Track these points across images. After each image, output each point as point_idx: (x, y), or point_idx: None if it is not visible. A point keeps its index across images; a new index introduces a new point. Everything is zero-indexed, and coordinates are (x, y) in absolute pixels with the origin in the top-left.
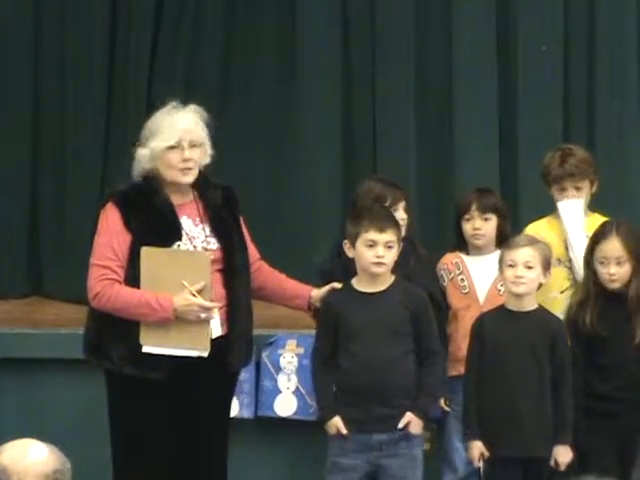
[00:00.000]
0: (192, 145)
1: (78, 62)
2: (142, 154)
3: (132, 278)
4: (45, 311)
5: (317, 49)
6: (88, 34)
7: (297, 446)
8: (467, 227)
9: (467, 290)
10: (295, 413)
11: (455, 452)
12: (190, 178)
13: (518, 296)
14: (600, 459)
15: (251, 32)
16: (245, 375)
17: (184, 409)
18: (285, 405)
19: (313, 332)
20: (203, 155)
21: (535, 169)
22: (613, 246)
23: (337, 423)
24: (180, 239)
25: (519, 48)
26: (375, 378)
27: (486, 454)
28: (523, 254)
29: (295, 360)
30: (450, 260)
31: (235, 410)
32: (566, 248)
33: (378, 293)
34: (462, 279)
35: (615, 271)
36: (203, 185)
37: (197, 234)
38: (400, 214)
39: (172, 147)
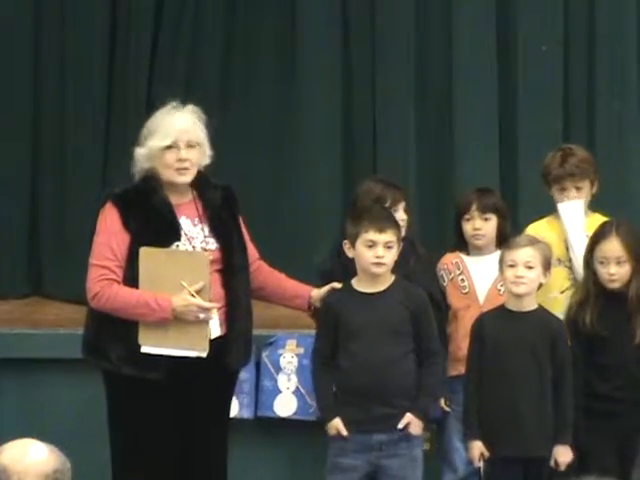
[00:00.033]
0: (189, 145)
1: (78, 62)
2: (140, 153)
3: (131, 278)
4: (45, 311)
5: (317, 49)
6: (88, 34)
7: (297, 446)
8: (467, 227)
9: (467, 290)
10: (295, 413)
11: (455, 452)
12: (186, 178)
13: (518, 296)
14: (600, 459)
15: (251, 32)
16: (245, 375)
17: (183, 409)
18: (285, 405)
19: (313, 332)
20: (201, 155)
21: (535, 169)
22: (613, 246)
23: (337, 424)
24: (179, 239)
25: (519, 48)
26: (375, 378)
27: (486, 454)
28: (523, 254)
29: (295, 360)
30: (450, 260)
31: (235, 410)
32: (566, 248)
33: (378, 293)
34: (462, 279)
35: (615, 271)
36: (202, 185)
37: (196, 234)
38: (400, 215)
39: (169, 147)
